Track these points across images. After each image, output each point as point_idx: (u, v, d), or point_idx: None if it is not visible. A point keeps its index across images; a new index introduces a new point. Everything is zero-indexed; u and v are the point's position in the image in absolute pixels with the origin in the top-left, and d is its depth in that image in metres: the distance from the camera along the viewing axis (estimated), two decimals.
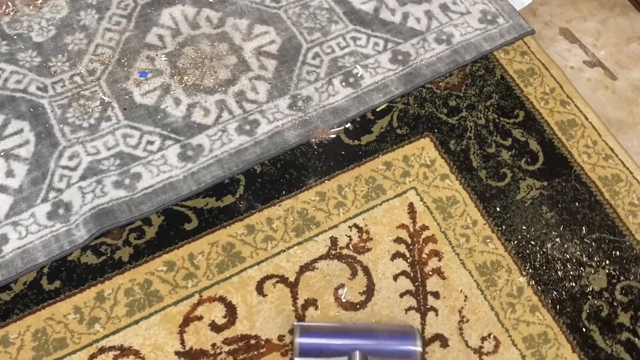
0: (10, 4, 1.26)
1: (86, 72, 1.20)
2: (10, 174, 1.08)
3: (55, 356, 0.94)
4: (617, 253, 1.10)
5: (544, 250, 1.10)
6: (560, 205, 1.14)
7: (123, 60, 1.22)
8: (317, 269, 1.05)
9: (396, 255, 1.07)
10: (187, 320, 0.99)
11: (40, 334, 0.96)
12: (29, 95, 1.16)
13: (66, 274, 1.01)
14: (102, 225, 1.04)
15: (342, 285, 1.04)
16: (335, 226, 1.09)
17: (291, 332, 0.99)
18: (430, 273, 1.06)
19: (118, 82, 1.19)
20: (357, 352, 0.91)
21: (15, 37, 1.23)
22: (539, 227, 1.12)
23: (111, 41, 1.24)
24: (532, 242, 1.10)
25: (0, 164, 1.09)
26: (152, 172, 1.10)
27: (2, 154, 1.10)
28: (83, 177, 1.08)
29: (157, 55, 1.24)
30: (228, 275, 1.03)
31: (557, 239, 1.11)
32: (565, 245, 1.10)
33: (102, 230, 1.04)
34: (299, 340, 0.93)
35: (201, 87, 1.20)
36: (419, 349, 0.94)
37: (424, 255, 1.07)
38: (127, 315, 0.98)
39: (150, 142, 1.13)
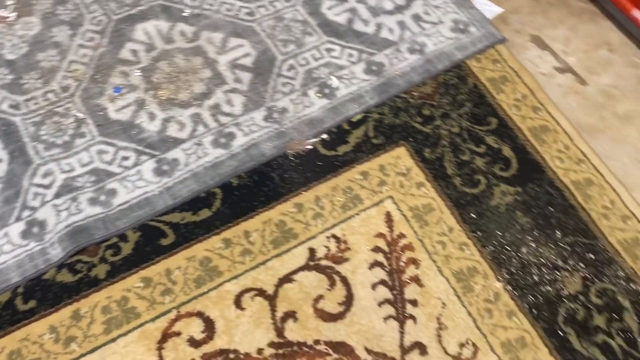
0: None
1: (60, 89, 1.19)
2: None
3: None
4: (592, 256, 1.12)
5: (520, 255, 1.11)
6: (534, 210, 1.16)
7: (97, 76, 1.22)
8: (295, 280, 1.05)
9: (374, 264, 1.08)
10: (165, 337, 0.98)
11: (16, 356, 0.95)
12: (1, 114, 1.15)
13: (41, 293, 1.00)
14: (77, 243, 1.03)
15: (321, 296, 1.04)
16: (313, 237, 1.10)
17: (270, 345, 0.99)
18: (408, 281, 1.07)
19: (92, 98, 1.19)
20: None
21: None
22: (514, 232, 1.13)
23: (85, 57, 1.24)
24: (508, 248, 1.12)
25: None
26: (127, 187, 1.10)
27: None
28: (57, 195, 1.07)
29: (131, 70, 1.23)
30: (206, 290, 1.03)
31: (532, 244, 1.12)
32: (540, 250, 1.12)
33: (78, 247, 1.03)
34: None
35: (176, 101, 1.20)
36: None
37: (401, 264, 1.08)
38: (104, 333, 0.97)
39: (126, 158, 1.13)
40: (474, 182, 1.18)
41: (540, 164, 1.21)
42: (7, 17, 1.26)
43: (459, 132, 1.24)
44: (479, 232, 1.13)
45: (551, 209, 1.16)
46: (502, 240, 1.12)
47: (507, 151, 1.22)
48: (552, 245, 1.12)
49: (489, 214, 1.15)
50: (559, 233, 1.14)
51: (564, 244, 1.13)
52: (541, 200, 1.17)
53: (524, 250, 1.12)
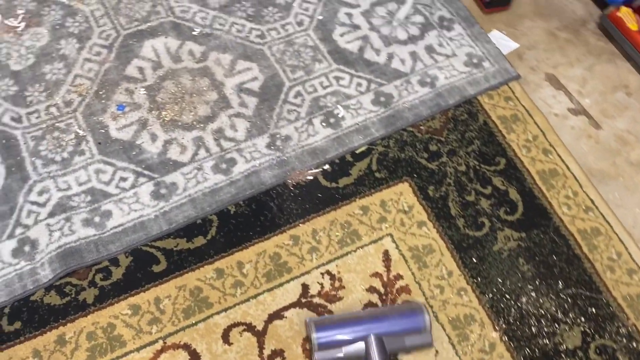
0: None
1: (63, 103, 1.18)
2: None
3: None
4: (593, 310, 1.08)
5: (519, 304, 1.08)
6: (537, 257, 1.12)
7: (101, 92, 1.21)
8: (286, 317, 1.03)
9: (368, 305, 1.05)
10: None
11: None
12: (2, 126, 1.14)
13: (27, 315, 0.98)
14: (67, 265, 1.01)
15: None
16: (308, 272, 1.07)
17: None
18: None
19: (94, 115, 1.18)
20: (372, 336, 0.95)
21: None
22: (515, 280, 1.10)
23: (90, 72, 1.23)
24: (507, 296, 1.08)
25: None
26: (123, 210, 1.08)
27: None
28: (52, 214, 1.06)
29: (136, 88, 1.22)
30: (194, 322, 1.01)
31: (533, 293, 1.09)
32: (541, 300, 1.08)
33: (68, 270, 1.01)
34: (315, 335, 0.95)
35: (179, 123, 1.19)
36: (427, 321, 0.98)
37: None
38: None
39: (124, 179, 1.12)
40: (477, 224, 1.15)
41: (547, 209, 1.17)
42: (16, 27, 1.26)
43: (465, 171, 1.21)
44: (479, 278, 1.09)
45: (555, 257, 1.13)
46: (502, 287, 1.09)
47: (513, 194, 1.19)
48: (553, 296, 1.09)
49: (491, 259, 1.12)
50: (561, 283, 1.10)
51: (565, 296, 1.09)
52: (545, 247, 1.13)
53: (523, 299, 1.08)
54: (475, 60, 1.34)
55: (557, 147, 1.25)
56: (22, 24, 1.26)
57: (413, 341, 0.98)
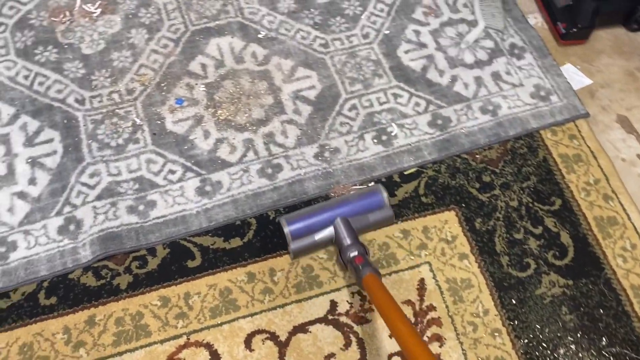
0: (68, 13, 1.30)
1: (125, 91, 1.22)
2: (32, 181, 1.10)
3: None
4: None
5: (555, 355, 1.02)
6: (582, 309, 1.06)
7: (163, 84, 1.23)
8: (310, 332, 1.01)
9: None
10: None
11: (27, 349, 0.97)
12: (66, 106, 1.19)
13: (64, 292, 1.02)
14: (107, 249, 1.04)
15: (332, 355, 0.99)
16: (338, 289, 1.05)
17: None
18: None
19: (153, 106, 1.20)
20: (339, 219, 1.05)
21: (66, 46, 1.26)
22: (555, 329, 1.04)
23: (155, 63, 1.26)
24: (544, 345, 1.03)
25: (25, 170, 1.12)
26: (167, 202, 1.10)
27: (29, 160, 1.12)
28: (99, 197, 1.09)
29: (196, 84, 1.24)
30: (219, 322, 1.01)
31: (572, 346, 1.03)
32: (580, 355, 1.02)
33: (107, 254, 1.04)
34: (287, 229, 1.04)
35: (232, 123, 1.20)
36: (386, 198, 1.09)
37: (425, 338, 1.02)
38: (113, 346, 0.98)
39: (172, 172, 1.13)
40: (522, 264, 1.10)
41: (600, 259, 1.11)
42: (93, 13, 1.31)
43: (517, 207, 1.16)
44: (516, 321, 1.04)
45: (602, 311, 1.06)
46: (539, 335, 1.03)
47: (565, 238, 1.13)
48: (594, 353, 1.02)
49: (532, 303, 1.06)
50: (605, 340, 1.03)
51: (608, 354, 1.02)
52: (592, 299, 1.07)
53: (561, 351, 1.02)
54: (542, 93, 1.28)
55: (620, 195, 1.17)
56: (98, 10, 1.31)
57: (376, 217, 1.08)
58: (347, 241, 1.03)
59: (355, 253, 1.01)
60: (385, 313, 0.88)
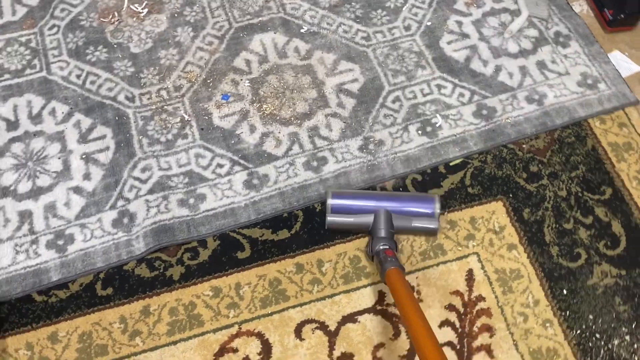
0: (116, 13, 1.34)
1: (173, 88, 1.25)
2: (87, 177, 1.14)
3: None
4: None
5: (609, 346, 1.00)
6: (636, 299, 1.04)
7: (209, 81, 1.26)
8: (359, 322, 1.02)
9: (445, 323, 1.02)
10: (223, 351, 0.99)
11: (86, 337, 1.00)
12: (117, 104, 1.22)
13: (119, 283, 1.05)
14: (160, 241, 1.07)
15: (382, 344, 1.00)
16: None
17: None
18: (479, 349, 1.00)
19: (200, 102, 1.23)
20: (382, 210, 1.05)
21: (115, 45, 1.30)
22: (608, 319, 1.02)
23: (201, 60, 1.28)
24: (597, 335, 1.01)
25: (80, 166, 1.15)
26: (216, 195, 1.13)
27: (83, 156, 1.16)
28: (151, 191, 1.12)
29: (241, 79, 1.26)
30: (270, 312, 1.03)
31: (627, 337, 1.01)
32: (635, 346, 1.00)
33: (160, 246, 1.07)
34: (330, 201, 1.06)
35: (277, 117, 1.21)
36: (437, 209, 1.07)
37: (474, 329, 1.01)
38: (167, 335, 1.00)
39: (220, 166, 1.16)
40: (573, 255, 1.08)
41: None
42: (140, 13, 1.34)
43: (566, 197, 1.14)
44: (567, 312, 1.03)
45: None
46: (592, 325, 1.02)
47: (617, 227, 1.11)
48: None
49: (583, 294, 1.05)
50: None
51: None
52: None
53: (615, 342, 1.00)
54: (590, 81, 1.26)
55: None
56: (145, 10, 1.35)
57: (419, 223, 1.06)
58: (382, 233, 1.03)
59: (387, 246, 1.01)
60: (404, 308, 0.87)
